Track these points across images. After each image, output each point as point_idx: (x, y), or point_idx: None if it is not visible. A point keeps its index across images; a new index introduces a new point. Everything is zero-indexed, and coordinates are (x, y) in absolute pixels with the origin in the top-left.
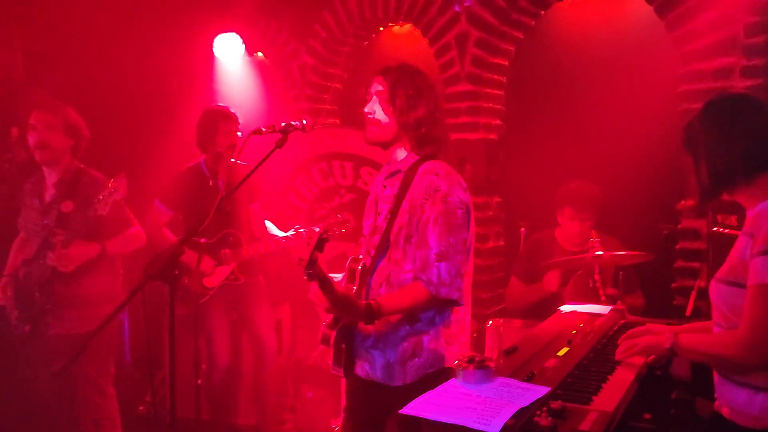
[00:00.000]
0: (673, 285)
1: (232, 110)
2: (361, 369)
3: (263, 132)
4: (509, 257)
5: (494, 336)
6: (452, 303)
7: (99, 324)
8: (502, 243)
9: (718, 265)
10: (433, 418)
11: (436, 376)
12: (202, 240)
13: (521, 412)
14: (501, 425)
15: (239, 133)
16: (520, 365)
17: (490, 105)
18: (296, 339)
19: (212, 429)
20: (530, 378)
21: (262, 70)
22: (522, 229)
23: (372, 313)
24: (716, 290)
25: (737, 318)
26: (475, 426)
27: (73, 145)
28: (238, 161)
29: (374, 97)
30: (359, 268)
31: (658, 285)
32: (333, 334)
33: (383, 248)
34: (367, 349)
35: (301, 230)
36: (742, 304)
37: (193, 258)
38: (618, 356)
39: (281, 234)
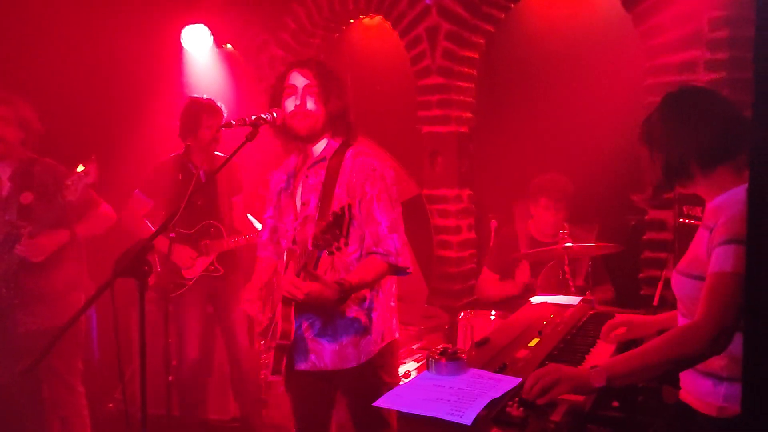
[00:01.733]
0: (641, 275)
1: (218, 103)
2: (306, 362)
3: (233, 125)
4: (480, 249)
5: (466, 328)
6: (404, 271)
7: (68, 320)
8: (473, 235)
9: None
10: (406, 411)
11: (387, 349)
12: (185, 231)
13: (493, 403)
14: (474, 416)
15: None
16: (492, 356)
17: (461, 98)
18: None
19: (184, 425)
20: (502, 369)
21: (231, 61)
22: (493, 222)
23: (345, 291)
24: (678, 282)
25: (697, 310)
26: (449, 418)
27: (23, 138)
28: (221, 154)
29: (300, 90)
30: (302, 259)
31: (626, 275)
32: (292, 327)
33: None
34: (313, 338)
35: None
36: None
37: (176, 249)
38: (531, 397)
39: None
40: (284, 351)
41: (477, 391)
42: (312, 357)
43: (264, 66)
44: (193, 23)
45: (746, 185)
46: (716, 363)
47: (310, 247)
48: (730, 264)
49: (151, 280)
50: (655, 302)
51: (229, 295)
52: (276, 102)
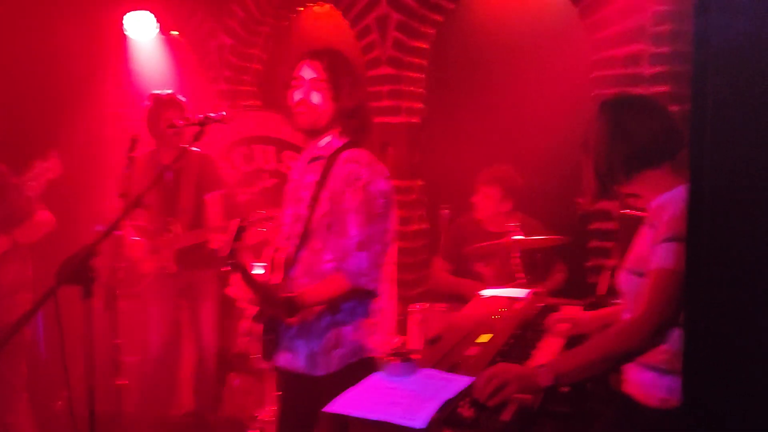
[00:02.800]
0: (587, 264)
1: (179, 96)
2: (284, 359)
3: (177, 127)
4: (432, 240)
5: (416, 321)
6: (369, 294)
7: (12, 324)
8: (425, 226)
9: (628, 246)
10: (358, 416)
11: (359, 365)
12: (146, 226)
13: (446, 404)
14: (427, 420)
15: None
16: (444, 355)
17: (412, 89)
18: (222, 327)
19: (136, 422)
20: (454, 368)
21: (177, 50)
22: (444, 212)
23: (293, 306)
24: (625, 280)
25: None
26: (401, 422)
27: None
28: (193, 148)
29: (308, 82)
30: (284, 258)
31: (575, 264)
32: (261, 326)
33: (305, 237)
34: (290, 338)
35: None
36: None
37: (131, 243)
38: (483, 399)
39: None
40: (269, 341)
41: (429, 392)
42: (288, 356)
43: (212, 54)
44: (136, 9)
45: (686, 185)
46: (658, 357)
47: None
48: (671, 261)
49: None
50: (603, 291)
51: (198, 294)
52: (285, 94)
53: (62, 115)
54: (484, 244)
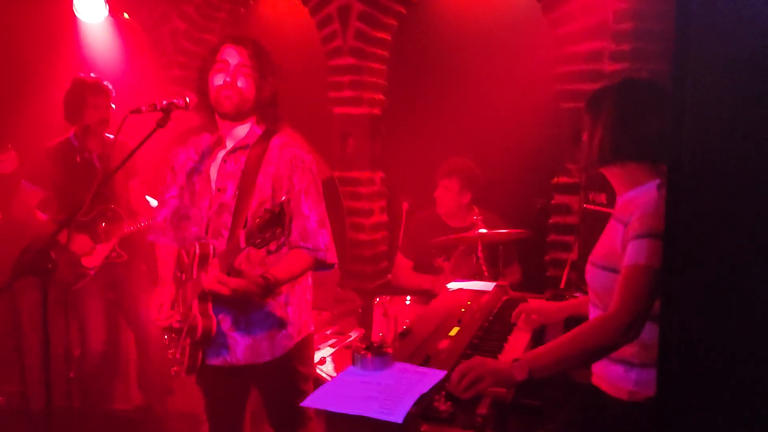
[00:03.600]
0: (546, 257)
1: (105, 82)
2: (217, 357)
3: (143, 111)
4: (392, 232)
5: (380, 313)
6: (331, 267)
7: None
8: (385, 218)
9: (589, 241)
10: (335, 410)
11: (303, 343)
12: (80, 218)
13: (421, 398)
14: (404, 414)
15: (113, 106)
16: (416, 348)
17: (374, 80)
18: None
19: (85, 417)
20: (426, 361)
21: (129, 33)
22: (404, 204)
23: (270, 286)
24: (592, 274)
25: (611, 301)
26: (379, 416)
27: None
28: (111, 136)
29: (234, 67)
30: (211, 251)
31: (533, 257)
32: (214, 322)
33: (240, 227)
34: (224, 333)
35: None
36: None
37: (73, 237)
38: (458, 393)
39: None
40: (200, 347)
41: (404, 386)
42: (223, 352)
43: (165, 39)
44: None
45: (657, 181)
46: (627, 350)
47: (243, 245)
48: (643, 257)
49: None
50: (562, 285)
51: (132, 283)
52: (203, 75)
53: (9, 99)
54: (450, 237)
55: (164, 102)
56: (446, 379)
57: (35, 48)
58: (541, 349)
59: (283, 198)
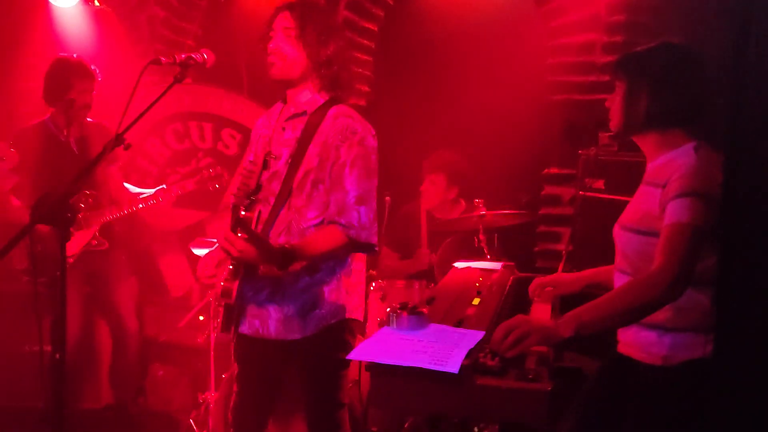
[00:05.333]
0: (536, 248)
1: (91, 65)
2: (250, 326)
3: (162, 63)
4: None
5: (377, 297)
6: (369, 248)
7: None
8: None
9: (586, 227)
10: (386, 362)
11: (337, 326)
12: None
13: (469, 354)
14: (459, 365)
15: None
16: (446, 312)
17: (360, 70)
18: (144, 315)
19: (48, 417)
20: (460, 324)
21: (103, 19)
22: (387, 199)
23: (287, 257)
24: (624, 238)
25: (645, 265)
26: (433, 367)
27: None
28: (92, 120)
29: (281, 34)
30: (256, 217)
31: (519, 250)
32: (234, 286)
33: (285, 195)
34: (260, 303)
35: (163, 187)
36: (653, 252)
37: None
38: (502, 351)
39: (141, 192)
40: (231, 310)
41: (448, 342)
42: (256, 322)
43: (142, 26)
44: None
45: (692, 143)
46: (661, 315)
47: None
48: (687, 215)
49: (23, 263)
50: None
51: (110, 275)
52: (263, 47)
53: None
54: (453, 217)
55: (183, 55)
56: (486, 339)
57: (5, 34)
58: (586, 306)
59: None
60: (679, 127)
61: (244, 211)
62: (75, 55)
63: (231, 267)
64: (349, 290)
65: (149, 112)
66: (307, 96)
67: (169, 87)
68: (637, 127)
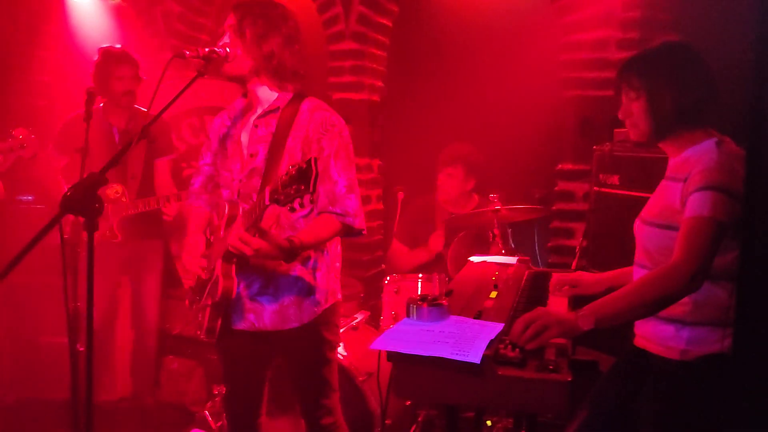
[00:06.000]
0: (549, 244)
1: (131, 53)
2: (244, 321)
3: (186, 56)
4: (387, 220)
5: (391, 291)
6: (359, 233)
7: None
8: (381, 206)
9: (600, 222)
10: (409, 352)
11: (330, 309)
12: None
13: (489, 345)
14: (481, 355)
15: (144, 77)
16: (464, 305)
17: (374, 66)
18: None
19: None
20: (479, 316)
21: (120, 14)
22: (400, 194)
23: (295, 249)
24: (645, 232)
25: (665, 259)
26: (455, 357)
27: None
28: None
29: (228, 32)
30: (239, 212)
31: (531, 246)
32: (234, 283)
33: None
34: (252, 297)
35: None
36: (673, 246)
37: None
38: (522, 342)
39: None
40: (221, 310)
41: (469, 333)
42: (250, 316)
43: (157, 21)
44: None
45: (713, 139)
46: (679, 309)
47: (267, 201)
48: (707, 209)
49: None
50: (573, 268)
51: (143, 263)
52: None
53: None
54: (466, 211)
55: (206, 49)
56: (505, 331)
57: (26, 29)
58: (605, 299)
59: (313, 158)
60: (701, 124)
61: (228, 209)
62: (118, 46)
63: (224, 265)
64: (336, 274)
65: (152, 104)
66: (266, 92)
67: (193, 80)
68: (667, 129)
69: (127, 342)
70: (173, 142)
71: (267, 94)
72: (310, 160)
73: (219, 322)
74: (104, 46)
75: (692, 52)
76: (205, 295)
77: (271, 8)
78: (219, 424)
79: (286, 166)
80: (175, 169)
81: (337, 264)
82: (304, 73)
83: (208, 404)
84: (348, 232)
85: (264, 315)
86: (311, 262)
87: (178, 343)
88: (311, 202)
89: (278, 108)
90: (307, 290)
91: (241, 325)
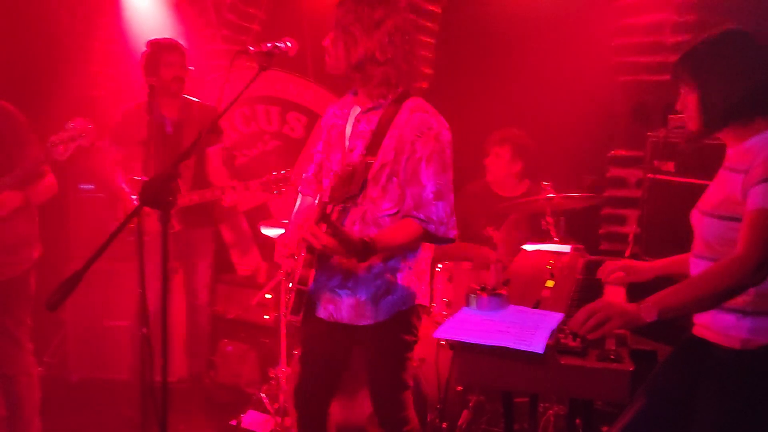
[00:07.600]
0: (601, 231)
1: (179, 42)
2: (324, 311)
3: (250, 52)
4: None
5: (444, 279)
6: (448, 242)
7: (87, 261)
8: None
9: (654, 210)
10: (471, 341)
11: (408, 312)
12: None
13: (551, 334)
14: (544, 345)
15: (191, 68)
16: (521, 294)
17: (423, 53)
18: (215, 292)
19: (132, 388)
20: (537, 305)
21: (173, 4)
22: None
23: (368, 249)
24: (704, 223)
25: (726, 250)
26: (518, 346)
27: None
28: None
29: (334, 30)
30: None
31: (583, 232)
32: (311, 273)
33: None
34: (332, 289)
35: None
36: (735, 237)
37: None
38: (583, 332)
39: None
40: (303, 295)
41: (530, 323)
42: (330, 307)
43: (209, 10)
44: None
45: None
46: (741, 299)
47: (326, 198)
48: None
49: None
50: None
51: (194, 252)
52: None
53: (53, 73)
54: (517, 201)
55: (269, 44)
56: (565, 321)
57: (84, 21)
58: (668, 290)
59: (369, 160)
60: (760, 114)
61: (319, 201)
62: (166, 36)
63: (306, 255)
64: (420, 277)
65: (222, 98)
66: (373, 89)
67: (257, 75)
68: (718, 124)
69: (181, 325)
70: (223, 131)
71: (370, 91)
72: (356, 162)
73: (303, 304)
74: (154, 38)
75: (749, 40)
76: (292, 281)
77: (375, 7)
78: (276, 406)
79: (378, 165)
80: (228, 157)
81: (423, 267)
82: (408, 74)
83: (264, 387)
84: (433, 239)
85: (342, 308)
86: (393, 262)
87: (232, 327)
88: (375, 201)
89: (380, 105)
90: (385, 289)
91: (322, 314)
